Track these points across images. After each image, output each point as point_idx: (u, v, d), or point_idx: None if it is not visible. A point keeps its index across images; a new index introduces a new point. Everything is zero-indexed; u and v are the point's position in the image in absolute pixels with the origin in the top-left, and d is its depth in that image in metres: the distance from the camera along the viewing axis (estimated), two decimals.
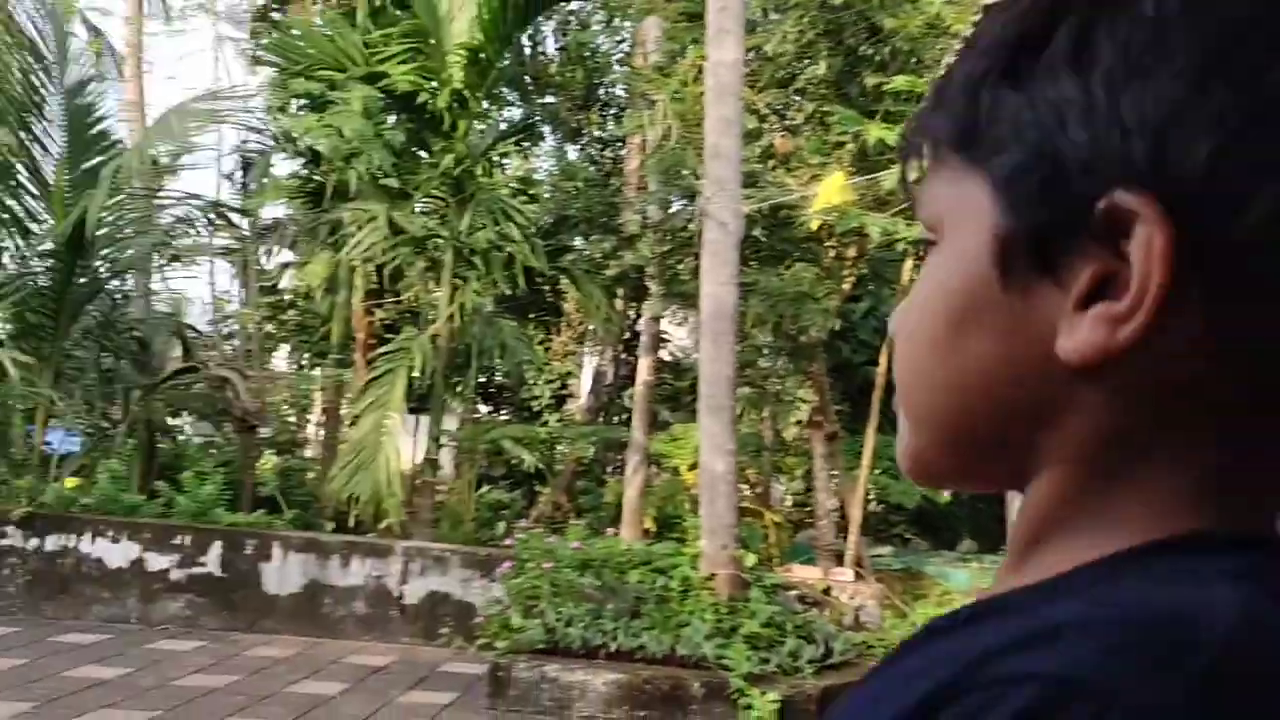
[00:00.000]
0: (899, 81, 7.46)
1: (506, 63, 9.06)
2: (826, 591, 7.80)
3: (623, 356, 15.57)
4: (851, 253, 9.07)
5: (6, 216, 9.06)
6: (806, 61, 8.63)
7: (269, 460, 11.83)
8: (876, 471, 10.46)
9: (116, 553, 7.62)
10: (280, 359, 15.99)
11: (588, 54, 14.83)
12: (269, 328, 13.99)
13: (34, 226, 9.22)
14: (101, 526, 7.65)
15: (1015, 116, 0.45)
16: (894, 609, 8.60)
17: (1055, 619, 0.39)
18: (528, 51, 14.28)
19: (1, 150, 9.76)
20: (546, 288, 10.87)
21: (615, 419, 14.95)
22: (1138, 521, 0.44)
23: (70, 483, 8.02)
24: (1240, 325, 0.42)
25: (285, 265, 13.41)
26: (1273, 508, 0.45)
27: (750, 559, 6.78)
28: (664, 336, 12.72)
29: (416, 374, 8.66)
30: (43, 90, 9.41)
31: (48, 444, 8.77)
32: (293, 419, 15.46)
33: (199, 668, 6.41)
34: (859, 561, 8.83)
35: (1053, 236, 0.44)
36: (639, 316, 13.97)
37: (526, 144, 12.31)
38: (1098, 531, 0.45)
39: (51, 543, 7.60)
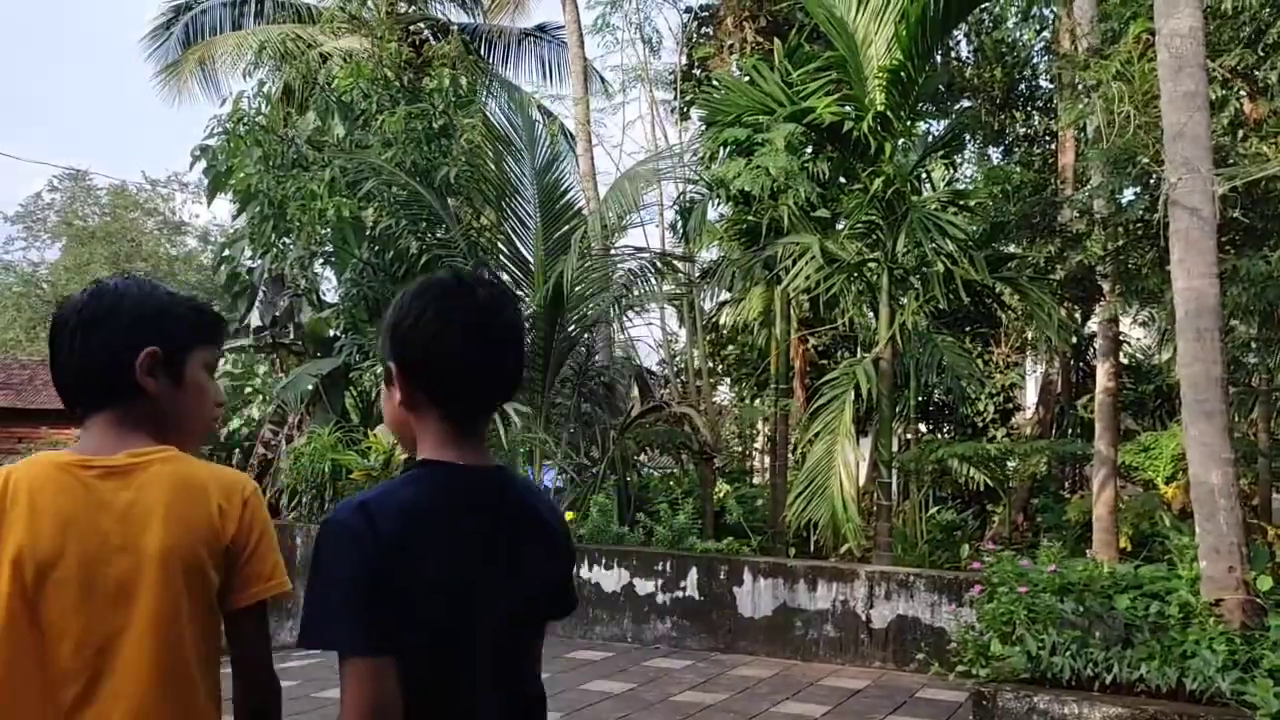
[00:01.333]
0: None
1: (925, 77, 8.91)
2: None
3: (1071, 363, 14.52)
4: None
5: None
6: (1277, 11, 7.58)
7: (721, 489, 12.49)
8: None
9: (610, 578, 8.50)
10: (721, 392, 16.90)
11: (1004, 50, 14.19)
12: (709, 364, 14.83)
13: (519, 294, 10.63)
14: (596, 554, 8.58)
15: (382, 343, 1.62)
16: None
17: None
18: (938, 59, 13.94)
19: (487, 231, 11.41)
20: (984, 299, 10.47)
21: (1069, 431, 13.98)
22: (424, 448, 1.55)
23: (569, 515, 9.10)
24: (428, 395, 1.54)
25: (722, 304, 14.19)
26: (468, 450, 1.54)
27: (1265, 582, 5.98)
28: (1121, 339, 11.69)
29: (862, 398, 8.73)
30: (514, 173, 10.89)
31: (544, 483, 10.02)
32: (738, 448, 16.25)
33: (692, 685, 6.93)
34: None
35: (387, 375, 1.58)
36: (1086, 320, 12.98)
37: (950, 154, 12.00)
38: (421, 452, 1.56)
39: None
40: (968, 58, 14.80)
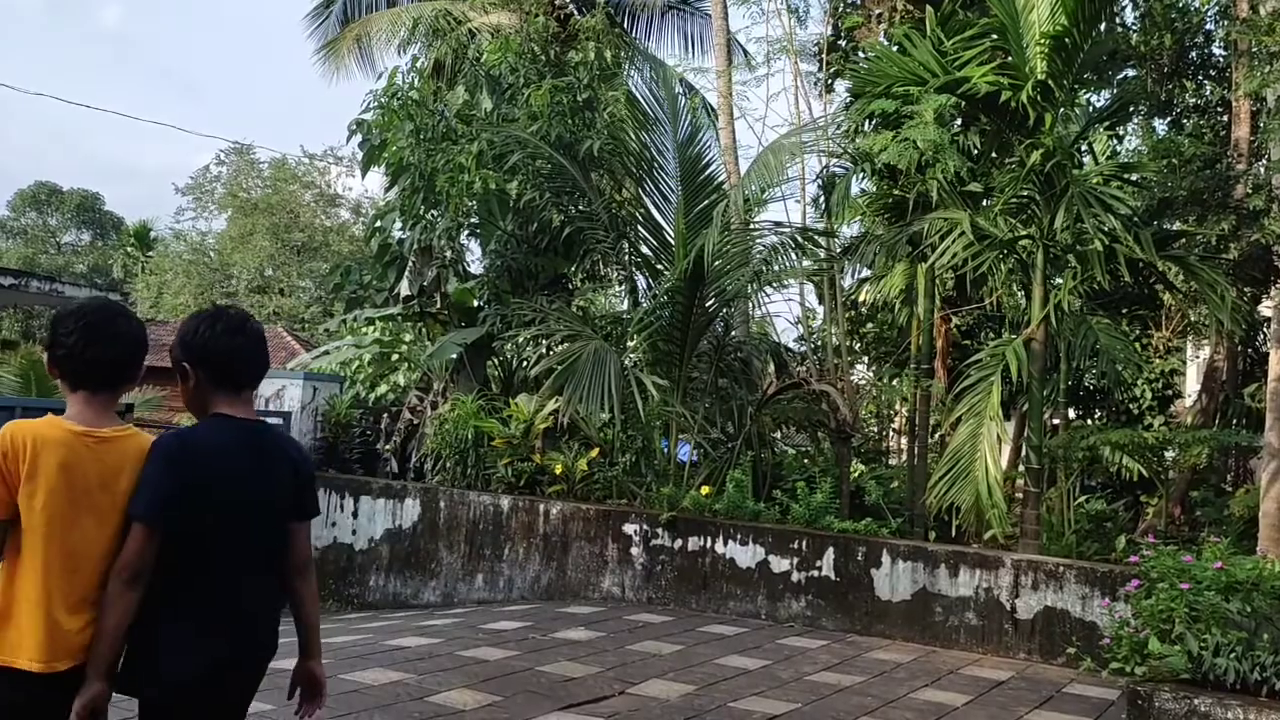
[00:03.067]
0: None
1: (1090, 43, 8.43)
2: None
3: (1239, 349, 13.63)
4: None
5: (639, 260, 10.59)
6: None
7: (856, 469, 12.27)
8: None
9: (744, 554, 8.47)
10: (858, 371, 16.56)
11: (1174, 15, 13.31)
12: (848, 342, 14.53)
13: (659, 267, 10.65)
14: (731, 530, 8.57)
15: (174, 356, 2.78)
16: None
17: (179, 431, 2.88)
18: (1102, 25, 13.19)
19: (628, 204, 11.45)
20: (1147, 280, 9.91)
21: (1234, 421, 13.16)
22: (213, 410, 2.72)
23: (704, 490, 9.10)
24: (210, 379, 2.72)
25: (862, 281, 13.87)
26: (241, 409, 2.73)
27: None
28: None
29: (1010, 380, 8.41)
30: (656, 147, 10.87)
31: (680, 456, 10.04)
32: (874, 429, 15.92)
33: (827, 665, 6.85)
34: None
35: (182, 371, 2.72)
36: (1258, 303, 12.14)
37: (1114, 126, 11.38)
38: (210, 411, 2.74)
39: (692, 543, 8.69)
40: (1133, 23, 13.95)
